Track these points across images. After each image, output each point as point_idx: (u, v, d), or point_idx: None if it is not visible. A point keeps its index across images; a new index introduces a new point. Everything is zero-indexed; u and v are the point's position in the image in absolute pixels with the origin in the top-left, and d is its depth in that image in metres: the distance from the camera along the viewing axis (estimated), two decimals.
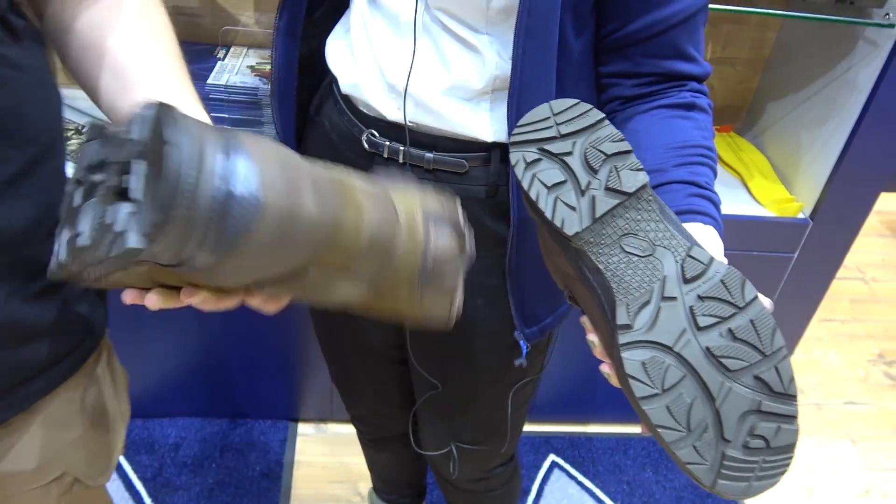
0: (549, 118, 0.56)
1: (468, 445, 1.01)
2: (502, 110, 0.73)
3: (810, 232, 1.42)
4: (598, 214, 0.52)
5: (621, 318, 0.51)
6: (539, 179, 0.54)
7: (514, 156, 0.56)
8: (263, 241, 0.40)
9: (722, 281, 0.50)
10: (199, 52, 1.46)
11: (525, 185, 0.54)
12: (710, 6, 1.26)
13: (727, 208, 1.42)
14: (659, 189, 0.65)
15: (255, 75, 1.40)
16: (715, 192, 0.66)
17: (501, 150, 0.76)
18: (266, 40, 1.52)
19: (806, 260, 1.46)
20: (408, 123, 0.77)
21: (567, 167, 0.54)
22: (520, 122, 0.57)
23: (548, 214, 0.53)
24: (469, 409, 0.97)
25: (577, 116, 0.55)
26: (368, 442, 1.25)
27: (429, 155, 0.77)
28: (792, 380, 0.48)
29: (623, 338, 0.50)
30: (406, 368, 1.00)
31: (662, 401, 0.48)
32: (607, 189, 0.53)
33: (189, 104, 0.57)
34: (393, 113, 0.77)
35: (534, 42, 0.67)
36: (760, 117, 1.61)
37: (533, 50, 0.67)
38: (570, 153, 0.54)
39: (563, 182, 0.54)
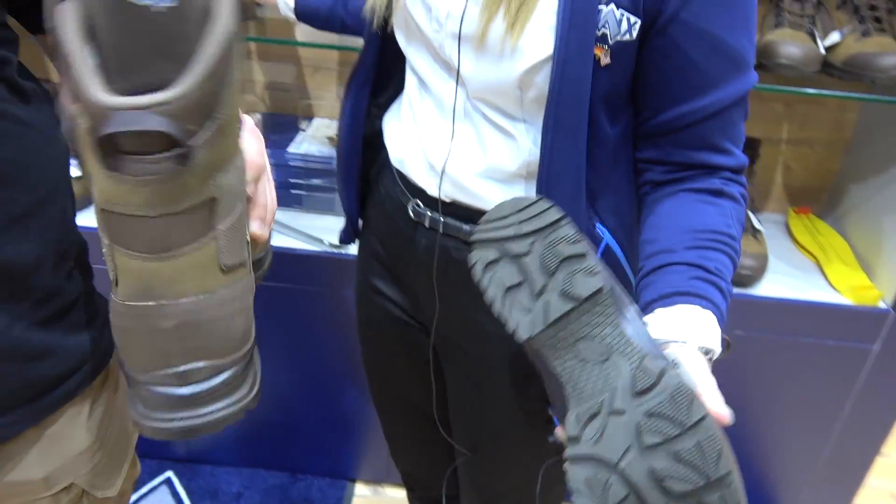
0: (510, 215, 0.56)
1: None
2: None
3: (892, 322, 1.34)
4: (551, 319, 0.51)
5: (570, 428, 0.49)
6: (496, 280, 0.54)
7: (474, 256, 0.56)
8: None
9: (671, 396, 0.47)
10: (286, 122, 1.57)
11: (483, 285, 0.55)
12: (787, 88, 1.25)
13: (802, 293, 1.36)
14: (663, 269, 0.64)
15: (333, 145, 1.50)
16: (726, 281, 0.65)
17: None
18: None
19: (888, 352, 1.37)
20: (445, 200, 0.80)
21: (524, 268, 0.54)
22: (483, 219, 0.58)
23: (504, 318, 0.53)
24: (501, 480, 0.97)
25: (537, 215, 0.55)
26: (412, 499, 1.25)
27: (465, 227, 0.80)
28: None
29: (570, 450, 0.49)
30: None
31: None
32: (562, 293, 0.52)
33: None
34: (432, 189, 0.81)
35: (562, 130, 0.69)
36: (841, 200, 1.55)
37: (561, 138, 0.69)
38: (527, 253, 0.54)
39: (520, 284, 0.53)
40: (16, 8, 0.61)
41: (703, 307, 0.61)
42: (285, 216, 1.47)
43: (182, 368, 0.47)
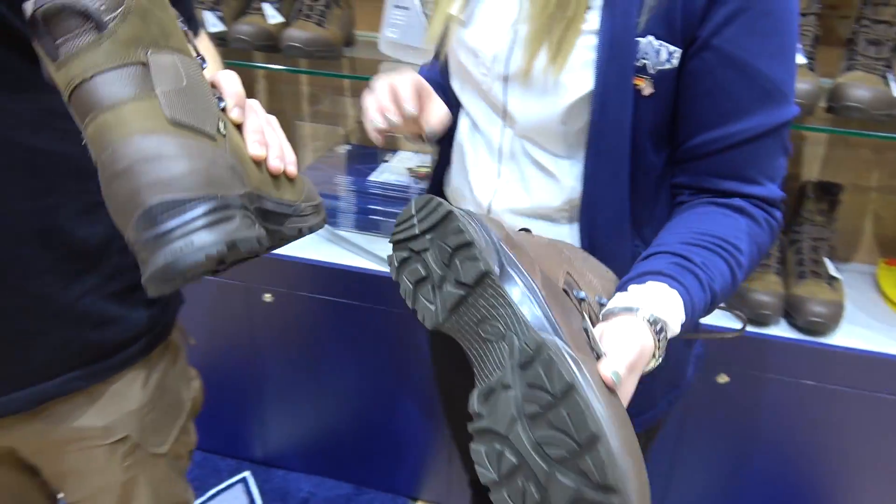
0: (412, 216, 0.61)
1: None
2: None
3: None
4: (448, 307, 0.56)
5: (473, 405, 0.53)
6: (406, 279, 0.59)
7: (390, 257, 0.62)
8: None
9: (546, 366, 0.48)
10: (371, 154, 1.69)
11: (400, 286, 0.60)
12: (876, 133, 1.21)
13: (882, 346, 1.29)
14: (650, 257, 0.66)
15: (411, 175, 1.59)
16: (710, 278, 0.64)
17: None
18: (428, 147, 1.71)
19: None
20: None
21: (427, 263, 0.59)
22: (395, 221, 0.63)
23: (417, 312, 0.57)
24: None
25: (431, 213, 0.59)
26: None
27: None
28: (608, 468, 0.45)
29: (471, 425, 0.52)
30: None
31: (502, 488, 0.49)
32: (455, 282, 0.56)
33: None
34: None
35: (604, 162, 0.72)
36: None
37: (603, 169, 0.72)
38: (427, 249, 0.58)
39: (425, 278, 0.58)
40: None
41: (671, 286, 0.61)
42: (363, 239, 1.57)
43: (146, 206, 0.47)
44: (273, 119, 0.66)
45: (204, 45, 0.85)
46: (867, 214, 1.55)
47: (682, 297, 0.62)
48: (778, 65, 0.68)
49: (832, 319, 1.31)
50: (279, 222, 0.61)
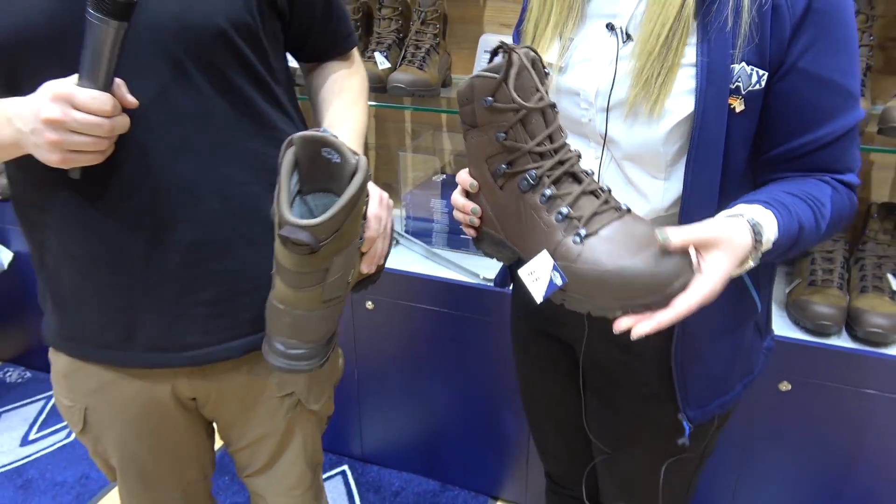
0: None
1: None
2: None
3: None
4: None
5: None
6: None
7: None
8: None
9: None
10: None
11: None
12: None
13: None
14: (747, 198, 0.80)
15: None
16: (796, 213, 0.78)
17: None
18: None
19: None
20: None
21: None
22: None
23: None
24: (634, 476, 1.09)
25: None
26: (552, 492, 1.37)
27: None
28: None
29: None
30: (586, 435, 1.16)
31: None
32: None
33: (345, 138, 0.94)
34: None
35: (700, 172, 0.83)
36: None
37: (700, 178, 0.84)
38: None
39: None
40: (291, 46, 1.00)
41: (765, 207, 0.76)
42: (454, 256, 1.77)
43: (289, 342, 0.85)
44: (389, 205, 0.96)
45: (350, 83, 1.05)
46: None
47: (775, 217, 0.76)
48: (850, 77, 0.81)
49: (893, 331, 1.37)
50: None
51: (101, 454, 1.05)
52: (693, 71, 0.81)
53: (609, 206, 0.76)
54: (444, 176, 1.96)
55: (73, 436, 2.15)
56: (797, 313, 1.45)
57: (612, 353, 1.01)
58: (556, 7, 0.90)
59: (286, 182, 0.78)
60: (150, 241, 0.87)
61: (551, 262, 0.76)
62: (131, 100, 0.78)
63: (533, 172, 0.76)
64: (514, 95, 0.73)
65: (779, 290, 1.61)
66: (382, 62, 1.72)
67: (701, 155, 0.83)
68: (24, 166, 0.83)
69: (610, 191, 0.78)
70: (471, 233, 0.88)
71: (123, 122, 0.78)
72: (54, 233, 0.89)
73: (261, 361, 0.97)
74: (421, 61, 1.66)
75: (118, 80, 0.77)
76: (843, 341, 1.41)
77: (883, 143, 1.38)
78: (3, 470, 2.03)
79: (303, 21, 0.96)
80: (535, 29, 0.93)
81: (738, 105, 0.81)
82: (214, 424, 1.11)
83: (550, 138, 0.76)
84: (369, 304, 1.78)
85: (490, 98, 0.75)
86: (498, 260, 0.88)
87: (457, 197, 0.87)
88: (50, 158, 0.77)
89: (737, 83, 0.80)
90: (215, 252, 0.90)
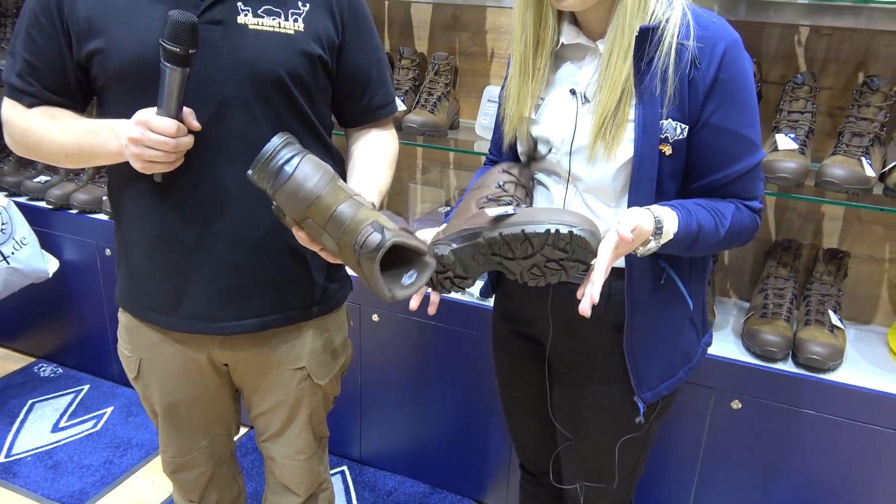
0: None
1: (592, 483, 1.31)
2: None
3: None
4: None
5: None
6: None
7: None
8: (288, 191, 0.94)
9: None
10: None
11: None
12: (851, 203, 1.50)
13: (883, 386, 1.53)
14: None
15: None
16: (698, 217, 1.04)
17: (615, 271, 1.10)
18: None
19: None
20: None
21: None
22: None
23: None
24: (592, 456, 1.29)
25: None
26: (525, 482, 1.56)
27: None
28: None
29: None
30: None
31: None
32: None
33: (368, 193, 1.13)
34: None
35: (640, 200, 1.07)
36: None
37: (640, 203, 1.05)
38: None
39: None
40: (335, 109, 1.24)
41: (671, 208, 1.02)
42: None
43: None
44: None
45: (383, 147, 1.28)
46: (882, 282, 1.80)
47: (677, 214, 1.01)
48: (751, 129, 1.06)
49: (830, 359, 1.56)
50: None
51: (148, 399, 1.29)
52: (633, 125, 1.05)
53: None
54: (449, 208, 2.19)
55: (98, 425, 2.37)
56: (749, 340, 1.65)
57: (573, 345, 1.23)
58: (530, 76, 1.13)
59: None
60: (203, 231, 1.11)
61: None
62: (195, 125, 1.03)
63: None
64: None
65: (735, 320, 1.81)
66: (399, 105, 1.98)
67: (640, 188, 1.06)
68: (123, 168, 1.08)
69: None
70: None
71: (187, 141, 1.02)
72: (135, 217, 1.14)
73: (277, 336, 1.21)
74: (433, 106, 1.91)
75: (187, 109, 1.02)
76: (787, 366, 1.61)
77: (832, 196, 1.60)
78: (35, 452, 2.24)
79: (348, 84, 1.20)
80: (515, 93, 1.16)
81: (668, 150, 1.05)
82: (241, 392, 1.33)
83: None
84: (375, 317, 2.00)
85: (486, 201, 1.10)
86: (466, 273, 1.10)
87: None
88: (135, 165, 1.02)
89: (665, 134, 1.04)
90: (251, 247, 1.14)
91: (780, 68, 1.76)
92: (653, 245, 1.00)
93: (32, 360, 2.75)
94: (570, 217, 0.98)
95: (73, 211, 2.42)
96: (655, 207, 1.02)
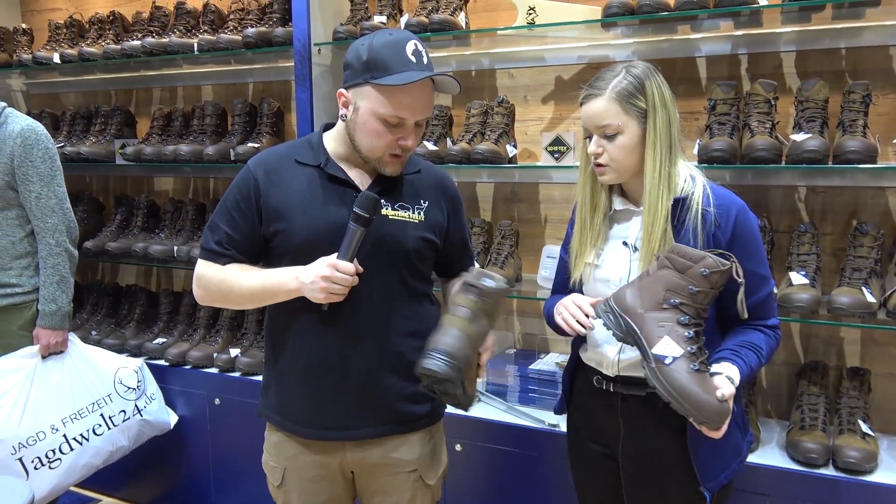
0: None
1: None
2: None
3: None
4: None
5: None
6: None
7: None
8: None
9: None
10: (530, 354, 2.47)
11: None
12: (857, 324, 1.82)
13: None
14: (721, 351, 1.40)
15: (557, 366, 2.34)
16: (748, 362, 1.38)
17: None
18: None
19: None
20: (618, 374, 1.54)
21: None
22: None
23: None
24: None
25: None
26: None
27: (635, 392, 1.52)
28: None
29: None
30: None
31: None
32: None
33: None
34: (609, 370, 1.56)
35: None
36: None
37: None
38: None
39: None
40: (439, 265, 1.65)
41: (732, 364, 1.37)
42: (526, 409, 2.29)
43: (444, 351, 1.37)
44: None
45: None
46: None
47: (738, 367, 1.36)
48: (762, 266, 1.44)
49: (866, 461, 1.80)
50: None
51: None
52: None
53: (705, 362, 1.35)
54: (515, 350, 2.53)
55: None
56: (792, 450, 1.89)
57: (641, 446, 1.51)
58: (590, 234, 1.53)
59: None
60: (347, 356, 1.48)
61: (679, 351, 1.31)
62: (360, 269, 1.43)
63: (687, 318, 1.34)
64: (736, 275, 1.34)
65: (779, 436, 2.06)
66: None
67: None
68: (287, 305, 1.47)
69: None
70: (579, 328, 1.47)
71: (356, 280, 1.42)
72: (292, 345, 1.51)
73: (395, 442, 1.52)
74: (501, 263, 2.32)
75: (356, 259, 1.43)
76: (828, 471, 1.84)
77: (847, 321, 1.91)
78: None
79: (448, 250, 1.63)
80: (578, 245, 1.55)
81: None
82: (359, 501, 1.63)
83: (705, 311, 1.37)
84: (458, 447, 2.27)
85: (708, 271, 1.33)
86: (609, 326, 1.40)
87: (582, 304, 1.49)
88: (318, 297, 1.41)
89: None
90: (382, 373, 1.50)
91: (786, 220, 2.15)
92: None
93: None
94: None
95: (188, 367, 2.80)
96: (726, 366, 1.36)
